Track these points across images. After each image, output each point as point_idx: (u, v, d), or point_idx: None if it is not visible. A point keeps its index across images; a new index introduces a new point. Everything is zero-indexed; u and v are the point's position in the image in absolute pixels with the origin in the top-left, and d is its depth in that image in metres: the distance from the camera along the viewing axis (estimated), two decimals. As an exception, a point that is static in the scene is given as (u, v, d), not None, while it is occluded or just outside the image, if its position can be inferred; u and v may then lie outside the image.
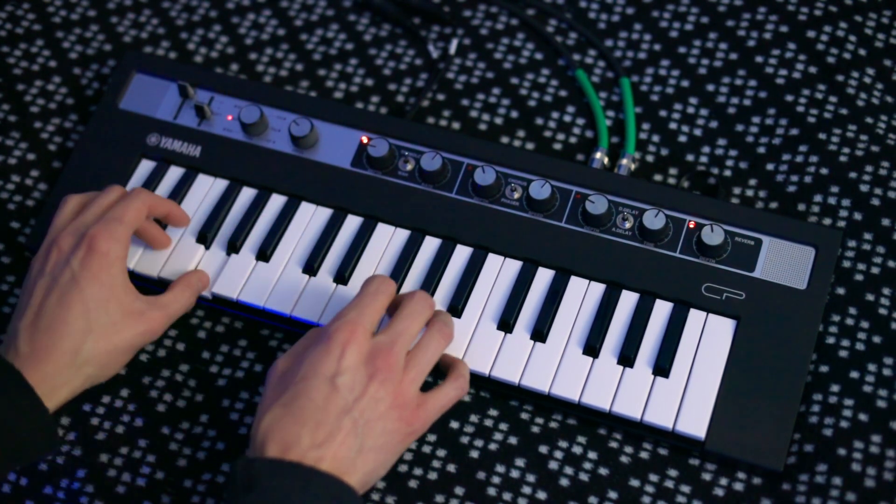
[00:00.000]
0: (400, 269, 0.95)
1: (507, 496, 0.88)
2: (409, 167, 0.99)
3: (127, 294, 0.88)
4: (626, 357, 0.90)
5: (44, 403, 0.81)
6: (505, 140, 1.05)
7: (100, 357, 0.85)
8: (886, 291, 0.92)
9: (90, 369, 0.85)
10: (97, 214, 0.90)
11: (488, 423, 0.91)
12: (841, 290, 0.93)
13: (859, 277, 0.93)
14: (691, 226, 0.94)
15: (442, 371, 0.90)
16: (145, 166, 1.03)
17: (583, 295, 0.93)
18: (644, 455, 0.89)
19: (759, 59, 1.06)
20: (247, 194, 1.00)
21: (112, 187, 0.93)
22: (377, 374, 0.81)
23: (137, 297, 0.89)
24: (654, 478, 0.88)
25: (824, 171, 0.98)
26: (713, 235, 0.92)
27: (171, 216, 0.96)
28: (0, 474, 0.81)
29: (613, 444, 0.90)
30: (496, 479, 0.89)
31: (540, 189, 0.95)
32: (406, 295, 0.88)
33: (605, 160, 1.02)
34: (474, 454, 0.90)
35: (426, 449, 0.90)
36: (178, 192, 1.01)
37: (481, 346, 0.91)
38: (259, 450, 0.78)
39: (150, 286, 0.97)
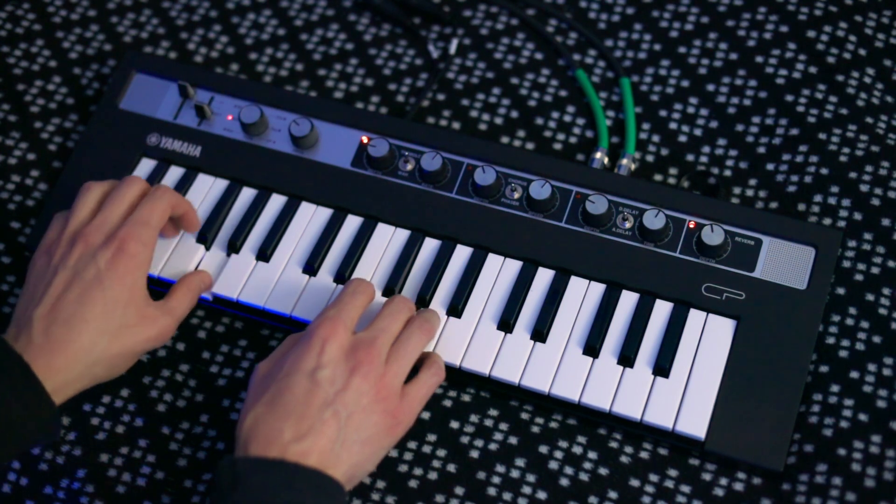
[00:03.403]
0: (400, 269, 0.95)
1: (507, 496, 0.88)
2: (410, 167, 0.99)
3: (144, 299, 0.88)
4: (626, 357, 0.90)
5: (51, 397, 0.81)
6: (505, 140, 1.05)
7: (111, 358, 0.85)
8: (886, 291, 0.92)
9: (99, 369, 0.85)
10: (122, 211, 0.90)
11: (488, 423, 0.91)
12: (841, 290, 0.93)
13: (859, 277, 0.93)
14: (691, 226, 0.94)
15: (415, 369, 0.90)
16: (145, 166, 1.03)
17: (583, 295, 0.93)
18: (644, 455, 0.89)
19: (759, 59, 1.06)
20: (247, 194, 1.00)
21: (132, 179, 0.92)
22: (359, 367, 0.81)
23: (150, 302, 0.89)
24: (654, 478, 0.88)
25: (824, 171, 0.98)
26: (713, 235, 0.92)
27: (186, 218, 0.95)
28: (1, 462, 0.81)
29: (613, 444, 0.90)
30: (496, 479, 0.89)
31: (540, 189, 0.95)
32: (388, 298, 0.89)
33: (605, 160, 1.02)
34: (474, 454, 0.90)
35: (426, 449, 0.90)
36: (179, 192, 1.00)
37: (481, 346, 0.91)
38: (243, 449, 0.78)
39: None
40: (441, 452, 0.90)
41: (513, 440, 0.90)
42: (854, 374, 0.89)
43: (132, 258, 0.86)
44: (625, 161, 1.01)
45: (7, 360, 0.81)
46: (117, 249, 0.86)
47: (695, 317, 0.91)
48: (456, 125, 1.07)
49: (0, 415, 0.79)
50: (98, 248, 0.87)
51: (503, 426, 0.91)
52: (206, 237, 0.98)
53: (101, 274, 0.85)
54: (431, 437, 0.91)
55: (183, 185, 1.01)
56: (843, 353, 0.90)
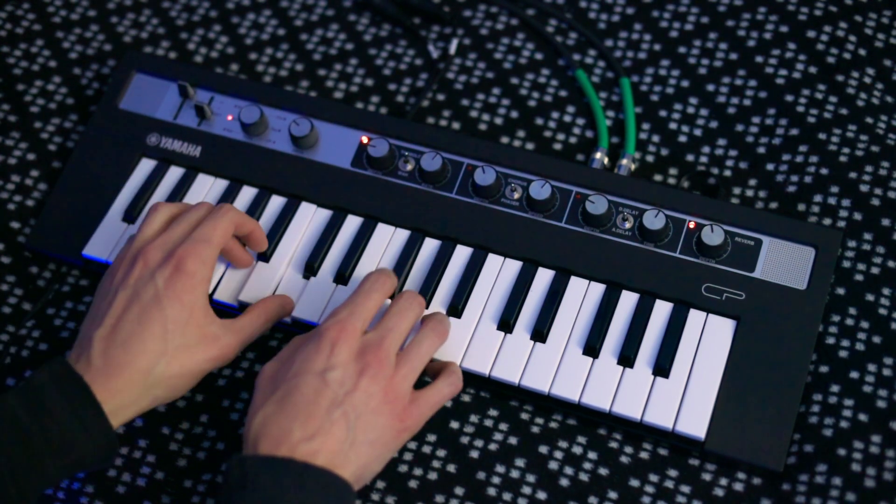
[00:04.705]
0: (400, 270, 0.95)
1: (507, 496, 0.88)
2: (409, 167, 0.99)
3: (205, 317, 0.86)
4: (626, 357, 0.90)
5: (109, 420, 0.80)
6: (505, 140, 1.05)
7: (171, 379, 0.84)
8: (886, 291, 0.92)
9: (159, 391, 0.84)
10: (185, 231, 0.88)
11: (488, 423, 0.91)
12: (841, 290, 0.93)
13: (859, 277, 0.93)
14: (691, 226, 0.94)
15: (430, 377, 0.89)
16: (145, 166, 1.03)
17: (583, 295, 0.93)
18: (644, 455, 0.89)
19: (759, 59, 1.06)
20: (247, 194, 1.00)
21: (202, 203, 0.91)
22: (368, 369, 0.81)
23: (214, 320, 0.86)
24: (654, 478, 0.88)
25: (824, 171, 0.98)
26: (713, 235, 0.92)
27: (253, 237, 0.94)
28: (55, 481, 0.80)
29: (613, 444, 0.90)
30: (496, 479, 0.89)
31: (540, 189, 0.95)
32: (398, 294, 0.89)
33: (605, 160, 1.02)
34: (474, 454, 0.90)
35: (426, 449, 0.90)
36: (179, 192, 1.01)
37: (481, 346, 0.91)
38: (252, 448, 0.78)
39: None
40: (441, 452, 0.90)
41: (513, 440, 0.90)
42: (854, 374, 0.89)
43: (190, 277, 0.84)
44: (625, 161, 1.01)
45: (68, 379, 0.81)
46: (175, 268, 0.84)
47: (695, 317, 0.91)
48: (456, 125, 1.07)
49: (58, 433, 0.79)
50: (157, 267, 0.85)
51: (503, 426, 0.91)
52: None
53: (160, 293, 0.84)
54: (431, 437, 0.91)
55: (183, 185, 1.01)
56: (843, 353, 0.90)
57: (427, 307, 0.93)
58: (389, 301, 0.90)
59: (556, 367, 0.90)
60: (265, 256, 0.97)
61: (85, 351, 0.83)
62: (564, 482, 0.88)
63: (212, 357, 0.86)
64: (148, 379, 0.83)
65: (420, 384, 0.87)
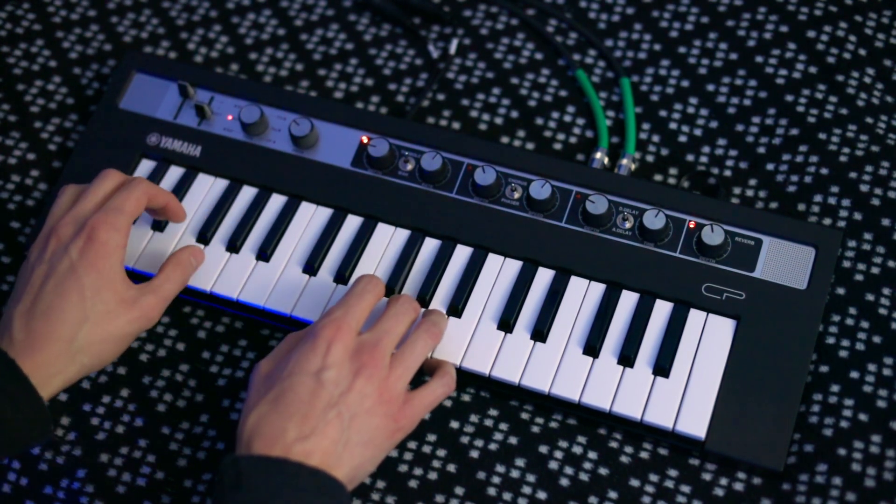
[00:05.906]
0: (400, 269, 0.95)
1: (507, 496, 0.88)
2: (410, 167, 0.99)
3: (122, 282, 0.87)
4: (626, 357, 0.90)
5: (38, 392, 0.81)
6: (505, 140, 1.05)
7: (94, 345, 0.85)
8: (886, 291, 0.92)
9: (85, 358, 0.85)
10: (96, 203, 0.90)
11: (488, 423, 0.91)
12: (841, 290, 0.93)
13: (859, 277, 0.93)
14: (691, 226, 0.94)
15: (427, 374, 0.90)
16: (145, 166, 1.03)
17: (583, 295, 0.93)
18: (644, 455, 0.89)
19: (759, 59, 1.06)
20: (247, 194, 1.00)
21: (107, 172, 0.92)
22: (363, 369, 0.81)
23: (130, 285, 0.88)
24: (654, 478, 0.88)
25: (824, 171, 0.98)
26: (713, 235, 0.92)
27: (169, 209, 0.95)
28: None
29: (613, 444, 0.90)
30: (496, 479, 0.89)
31: (540, 189, 0.95)
32: (392, 297, 0.89)
33: (605, 160, 1.02)
34: (474, 454, 0.90)
35: (426, 449, 0.90)
36: (179, 192, 1.01)
37: (481, 346, 0.91)
38: (246, 447, 0.78)
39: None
40: (441, 452, 0.90)
41: (513, 440, 0.90)
42: (854, 374, 0.89)
43: (103, 244, 0.86)
44: (625, 161, 1.01)
45: None
46: (88, 237, 0.86)
47: (695, 317, 0.91)
48: (456, 125, 1.07)
49: None
50: (70, 239, 0.87)
51: (503, 426, 0.91)
52: (206, 237, 0.98)
53: (75, 264, 0.85)
54: (431, 437, 0.91)
55: (183, 185, 1.01)
56: (843, 353, 0.90)
57: (427, 307, 0.93)
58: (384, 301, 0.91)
59: (556, 366, 0.90)
60: (265, 256, 0.97)
61: (6, 330, 0.84)
62: (564, 482, 0.88)
63: (133, 318, 0.87)
64: (72, 347, 0.84)
65: (415, 382, 0.87)
